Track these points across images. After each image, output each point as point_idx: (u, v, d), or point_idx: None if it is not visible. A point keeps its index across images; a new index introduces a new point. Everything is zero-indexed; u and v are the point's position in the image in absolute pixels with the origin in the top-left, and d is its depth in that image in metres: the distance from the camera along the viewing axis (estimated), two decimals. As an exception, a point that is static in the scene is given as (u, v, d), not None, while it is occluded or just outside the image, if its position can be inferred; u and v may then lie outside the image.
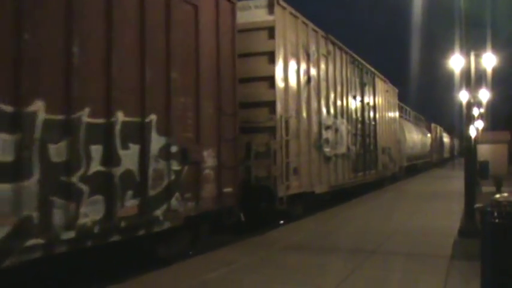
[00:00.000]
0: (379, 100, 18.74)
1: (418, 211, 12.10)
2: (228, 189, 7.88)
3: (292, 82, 10.46)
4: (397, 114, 23.27)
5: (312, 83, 11.56)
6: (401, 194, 17.61)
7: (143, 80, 5.99)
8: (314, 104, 11.71)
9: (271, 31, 9.72)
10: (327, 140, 12.49)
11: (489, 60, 17.94)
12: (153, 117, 6.16)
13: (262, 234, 8.78)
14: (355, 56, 15.45)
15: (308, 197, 11.48)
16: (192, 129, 6.87)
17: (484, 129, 32.10)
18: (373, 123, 17.79)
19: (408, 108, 32.03)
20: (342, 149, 13.78)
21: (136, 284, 5.59)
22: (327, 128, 12.58)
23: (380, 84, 19.08)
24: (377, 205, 13.82)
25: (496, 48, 20.64)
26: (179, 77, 6.62)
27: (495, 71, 22.40)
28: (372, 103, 17.61)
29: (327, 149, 12.39)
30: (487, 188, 16.42)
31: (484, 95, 26.25)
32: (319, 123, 11.97)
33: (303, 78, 10.97)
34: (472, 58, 14.33)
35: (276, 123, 9.62)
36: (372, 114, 17.64)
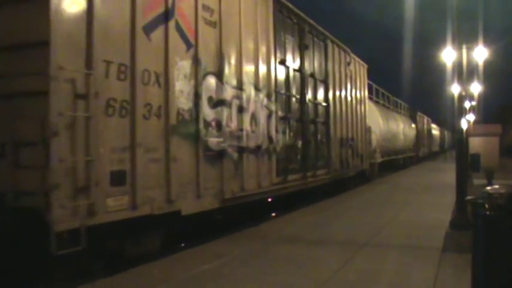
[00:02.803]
0: (334, 74, 13.82)
1: (409, 204, 11.80)
2: None
3: (113, 11, 5.55)
4: (366, 96, 18.33)
5: (175, 22, 6.64)
6: (393, 187, 17.03)
7: None
8: (182, 61, 6.79)
9: None
10: (216, 123, 7.59)
11: (481, 54, 18.09)
12: None
13: (255, 226, 8.54)
14: (288, 4, 10.53)
15: (170, 222, 6.64)
16: None
17: (475, 122, 32.92)
18: (323, 104, 12.87)
19: (386, 93, 27.01)
20: (256, 139, 8.90)
21: (128, 276, 5.47)
22: (219, 103, 7.68)
23: (336, 53, 14.14)
24: (369, 198, 13.54)
25: (487, 42, 21.31)
26: None
27: (487, 64, 23.23)
28: (321, 76, 12.68)
29: (213, 139, 7.49)
30: (478, 180, 16.42)
31: (476, 88, 26.81)
32: (195, 95, 7.07)
33: (143, 9, 6.04)
34: (464, 51, 14.98)
35: (49, 83, 4.72)
36: (321, 91, 12.73)
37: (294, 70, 10.84)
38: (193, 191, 6.96)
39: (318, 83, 12.45)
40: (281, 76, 10.12)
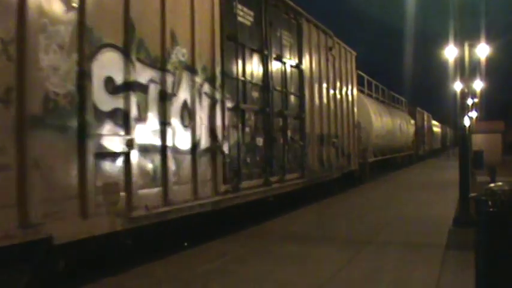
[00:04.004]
0: (311, 59, 11.75)
1: (411, 202, 11.88)
2: None
3: None
4: (354, 87, 16.23)
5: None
6: (393, 186, 16.96)
7: None
8: (57, 26, 4.74)
9: None
10: (119, 114, 5.55)
11: (483, 50, 18.43)
12: None
13: (258, 224, 8.62)
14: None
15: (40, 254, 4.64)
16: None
17: (478, 119, 33.01)
18: (297, 94, 10.85)
19: (381, 86, 24.83)
20: (190, 136, 6.87)
21: (132, 276, 5.48)
22: (124, 87, 5.63)
23: (314, 35, 12.09)
24: (370, 197, 13.58)
25: (489, 38, 21.83)
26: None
27: (489, 61, 23.74)
28: (292, 61, 10.64)
29: (113, 135, 5.46)
30: (481, 177, 16.48)
31: (478, 85, 27.58)
32: (81, 74, 5.02)
33: None
34: (466, 48, 15.15)
35: None
36: (292, 79, 10.68)
37: (252, 50, 8.80)
38: (77, 209, 4.93)
39: (289, 68, 10.41)
40: (231, 56, 8.08)
